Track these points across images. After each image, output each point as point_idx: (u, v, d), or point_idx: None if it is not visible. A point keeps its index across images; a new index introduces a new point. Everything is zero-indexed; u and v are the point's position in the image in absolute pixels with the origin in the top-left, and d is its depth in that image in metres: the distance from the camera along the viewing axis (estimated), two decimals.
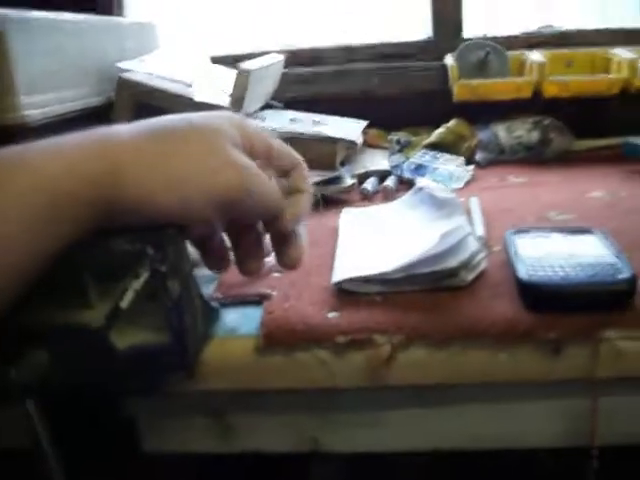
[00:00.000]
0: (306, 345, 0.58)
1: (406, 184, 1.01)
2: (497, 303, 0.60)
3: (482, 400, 0.62)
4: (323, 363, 0.58)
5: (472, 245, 0.65)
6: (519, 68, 1.29)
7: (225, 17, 1.51)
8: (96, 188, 0.41)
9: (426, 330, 0.57)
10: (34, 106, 0.83)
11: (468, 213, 0.82)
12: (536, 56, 1.23)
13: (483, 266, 0.65)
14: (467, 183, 1.05)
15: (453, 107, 1.24)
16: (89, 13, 1.05)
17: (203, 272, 0.64)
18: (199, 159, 0.44)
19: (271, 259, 0.54)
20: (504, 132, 1.19)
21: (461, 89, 1.24)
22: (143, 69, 1.07)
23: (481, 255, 0.66)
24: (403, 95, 1.36)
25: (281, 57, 1.24)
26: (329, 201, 0.95)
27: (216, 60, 1.31)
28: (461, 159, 1.12)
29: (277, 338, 0.58)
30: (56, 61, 0.90)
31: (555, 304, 0.57)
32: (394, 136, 1.24)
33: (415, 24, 1.45)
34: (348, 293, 0.63)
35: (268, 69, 1.14)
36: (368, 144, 1.22)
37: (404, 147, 1.20)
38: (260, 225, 0.52)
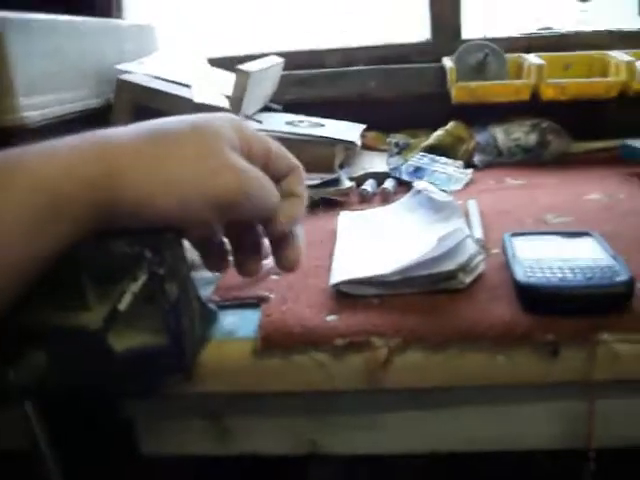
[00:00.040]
0: (304, 348, 0.58)
1: (404, 186, 1.01)
2: (495, 306, 0.60)
3: (479, 402, 0.62)
4: (321, 366, 0.58)
5: (470, 248, 0.66)
6: (517, 71, 1.29)
7: (224, 19, 1.51)
8: (94, 190, 0.41)
9: (424, 333, 0.57)
10: (33, 108, 0.83)
11: (466, 215, 0.82)
12: (534, 59, 1.24)
13: (481, 269, 0.65)
14: (465, 185, 1.05)
15: (451, 109, 1.24)
16: (88, 15, 1.05)
17: (201, 275, 0.64)
18: (197, 161, 0.44)
19: (269, 261, 0.54)
20: (502, 134, 1.20)
21: (459, 91, 1.24)
22: (142, 71, 1.07)
23: (479, 258, 0.66)
24: (401, 97, 1.36)
25: (280, 59, 1.24)
26: (327, 203, 0.96)
27: (215, 62, 1.31)
28: (459, 162, 1.12)
29: (275, 341, 0.58)
30: (55, 63, 0.90)
31: (552, 307, 0.57)
32: (392, 138, 1.24)
33: (414, 26, 1.45)
34: (346, 296, 0.63)
35: (267, 71, 1.14)
36: (366, 146, 1.22)
37: (402, 149, 1.20)
38: (259, 227, 0.52)
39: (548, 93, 1.20)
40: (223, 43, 1.49)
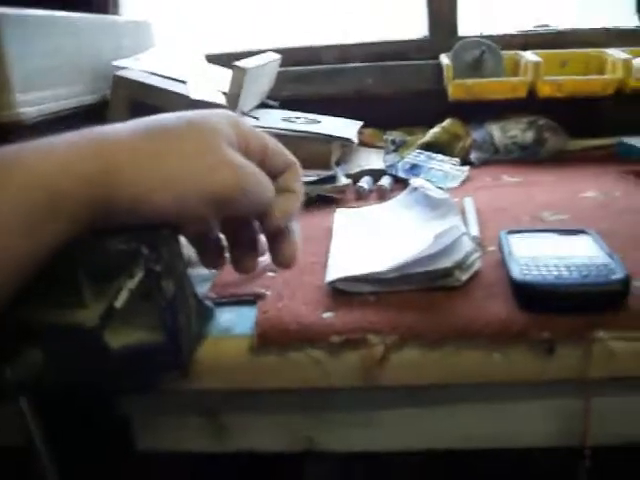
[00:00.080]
0: (300, 345, 0.58)
1: (401, 184, 1.01)
2: (491, 303, 0.60)
3: (476, 400, 0.62)
4: (317, 363, 0.58)
5: (466, 245, 0.66)
6: (514, 68, 1.29)
7: (221, 15, 1.51)
8: (91, 187, 0.41)
9: (420, 330, 0.57)
10: (29, 104, 0.83)
11: (462, 213, 0.82)
12: (531, 56, 1.24)
13: (477, 266, 0.65)
14: (462, 183, 1.05)
15: (448, 106, 1.24)
16: (85, 11, 1.05)
17: (198, 272, 0.64)
18: (194, 157, 0.44)
19: (266, 258, 0.54)
20: (499, 132, 1.20)
21: (456, 88, 1.24)
22: (139, 67, 1.06)
23: (475, 255, 0.66)
24: (398, 94, 1.36)
25: (277, 56, 1.24)
26: (323, 200, 0.96)
27: (212, 58, 1.31)
28: (456, 159, 1.12)
29: (271, 338, 0.58)
30: (52, 59, 0.90)
31: (548, 304, 0.58)
32: (389, 136, 1.24)
33: (411, 23, 1.45)
34: (342, 293, 0.63)
35: (264, 68, 1.14)
36: (363, 143, 1.22)
37: (399, 147, 1.20)
38: (255, 224, 0.52)
39: (545, 90, 1.20)
40: (220, 39, 1.48)
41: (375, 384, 0.58)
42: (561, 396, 0.60)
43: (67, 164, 0.40)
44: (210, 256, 0.54)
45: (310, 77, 1.37)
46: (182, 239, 0.51)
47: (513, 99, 1.22)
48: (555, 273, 0.59)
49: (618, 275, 0.58)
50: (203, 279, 0.68)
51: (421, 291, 0.62)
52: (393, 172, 1.07)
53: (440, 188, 0.88)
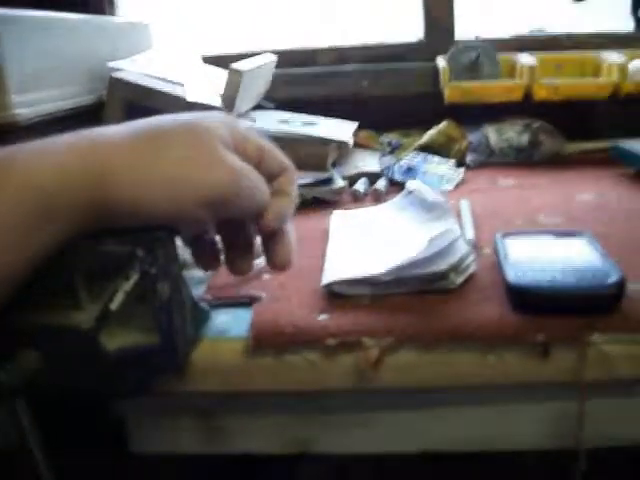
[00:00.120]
0: (295, 347, 0.58)
1: (397, 186, 1.01)
2: (486, 306, 0.60)
3: (470, 402, 0.62)
4: (312, 365, 0.58)
5: (462, 248, 0.66)
6: (510, 71, 1.29)
7: (217, 17, 1.51)
8: (87, 189, 0.41)
9: (415, 333, 0.57)
10: (25, 105, 0.83)
11: (458, 215, 0.83)
12: (527, 59, 1.24)
13: (472, 269, 0.65)
14: (457, 185, 1.05)
15: (444, 109, 1.24)
16: (81, 12, 1.05)
17: (193, 274, 0.64)
18: (190, 160, 0.44)
19: (261, 261, 0.54)
20: (494, 134, 1.20)
21: (452, 91, 1.24)
22: (135, 69, 1.06)
23: (470, 258, 0.66)
24: (394, 96, 1.36)
25: (273, 57, 1.24)
26: (320, 202, 0.96)
27: (208, 60, 1.31)
28: (452, 161, 1.12)
29: (266, 340, 0.58)
30: (48, 60, 0.90)
31: (543, 307, 0.58)
32: (385, 138, 1.24)
33: (407, 25, 1.45)
34: (337, 295, 0.63)
35: (260, 69, 1.14)
36: (359, 145, 1.22)
37: (395, 149, 1.20)
38: (250, 226, 0.52)
39: (541, 93, 1.20)
40: (217, 41, 1.48)
41: (370, 387, 0.58)
42: (556, 399, 0.61)
43: (63, 166, 0.41)
44: (205, 258, 0.54)
45: (306, 79, 1.37)
46: (177, 241, 0.51)
47: (509, 102, 1.22)
48: (550, 276, 0.59)
49: (613, 278, 0.58)
50: (198, 281, 0.68)
51: (416, 294, 0.62)
52: (389, 174, 1.07)
53: (436, 191, 0.88)
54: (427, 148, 1.16)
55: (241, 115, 1.10)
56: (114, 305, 0.46)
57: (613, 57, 1.22)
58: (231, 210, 0.46)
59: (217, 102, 1.03)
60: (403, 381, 0.58)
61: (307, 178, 0.96)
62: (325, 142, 1.04)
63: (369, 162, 1.14)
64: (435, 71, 1.31)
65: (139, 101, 1.01)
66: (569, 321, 0.56)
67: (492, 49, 1.28)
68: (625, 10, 1.36)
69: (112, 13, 1.38)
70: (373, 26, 1.50)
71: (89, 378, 0.51)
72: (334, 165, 1.09)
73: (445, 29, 1.40)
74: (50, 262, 0.42)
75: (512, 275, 0.60)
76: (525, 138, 1.18)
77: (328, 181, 0.99)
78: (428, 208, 0.79)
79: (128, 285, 0.46)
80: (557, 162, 1.17)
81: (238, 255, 0.53)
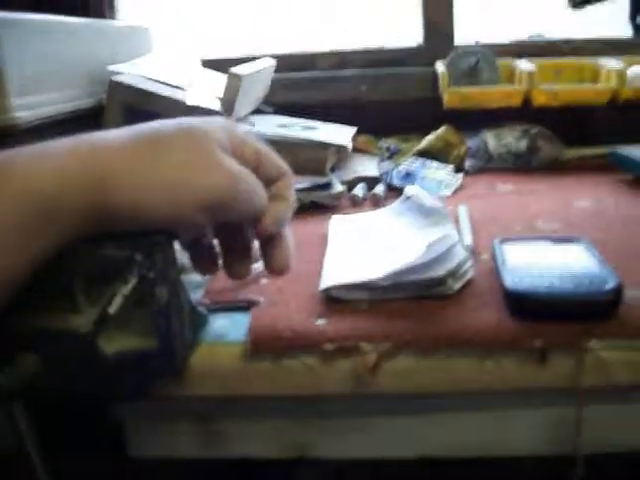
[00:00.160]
0: (293, 352, 0.58)
1: (395, 191, 1.01)
2: (484, 311, 0.60)
3: (468, 408, 0.62)
4: (310, 370, 0.58)
5: (459, 254, 0.66)
6: (509, 76, 1.29)
7: (217, 21, 1.51)
8: (86, 194, 0.41)
9: (413, 338, 0.57)
10: (25, 108, 0.83)
11: (456, 221, 0.83)
12: (526, 65, 1.24)
13: (470, 275, 0.65)
14: (456, 191, 1.05)
15: (443, 114, 1.24)
16: (81, 16, 1.05)
17: (191, 278, 0.64)
18: (189, 164, 0.44)
19: (259, 265, 0.54)
20: (493, 140, 1.20)
21: (451, 96, 1.24)
22: (135, 72, 1.07)
23: (468, 264, 0.66)
24: (393, 101, 1.36)
25: (272, 62, 1.24)
26: (318, 207, 0.96)
27: (208, 64, 1.32)
28: (450, 167, 1.13)
29: (264, 345, 0.58)
30: (47, 63, 0.90)
31: (541, 313, 0.58)
32: (384, 143, 1.24)
33: (407, 30, 1.45)
34: (335, 300, 0.63)
35: (259, 74, 1.14)
36: (358, 150, 1.23)
37: (394, 154, 1.20)
38: (248, 230, 0.52)
39: (540, 99, 1.20)
40: (216, 45, 1.49)
41: (368, 392, 0.58)
42: (553, 405, 0.61)
43: (63, 170, 0.41)
44: (203, 262, 0.54)
45: (305, 83, 1.37)
46: (176, 245, 0.51)
47: (508, 107, 1.22)
48: (548, 282, 0.59)
49: (610, 285, 0.58)
50: (196, 285, 0.68)
51: (414, 299, 0.62)
52: (388, 179, 1.07)
53: (434, 196, 0.88)
54: (426, 153, 1.16)
55: (240, 119, 1.10)
56: (112, 309, 0.46)
57: (612, 63, 1.23)
58: (229, 214, 0.46)
59: (216, 106, 1.03)
60: (401, 386, 0.58)
61: (306, 183, 0.96)
62: (324, 146, 1.04)
63: (368, 167, 1.15)
64: (434, 76, 1.31)
65: (139, 105, 1.01)
66: (567, 327, 0.56)
67: (491, 55, 1.28)
68: (624, 16, 1.37)
69: (112, 17, 1.38)
70: (373, 31, 1.50)
71: (87, 382, 0.51)
72: (333, 170, 1.09)
73: (445, 34, 1.40)
74: (49, 266, 0.42)
75: (510, 281, 0.60)
76: (524, 144, 1.18)
77: (327, 186, 1.00)
78: (426, 213, 0.80)
79: (126, 289, 0.46)
80: (555, 168, 1.17)
81: (236, 259, 0.53)
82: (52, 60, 0.92)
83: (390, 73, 1.38)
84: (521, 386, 0.58)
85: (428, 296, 0.63)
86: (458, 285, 0.63)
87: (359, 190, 1.02)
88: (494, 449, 0.63)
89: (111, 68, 1.05)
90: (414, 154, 1.16)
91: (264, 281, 0.68)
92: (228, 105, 1.02)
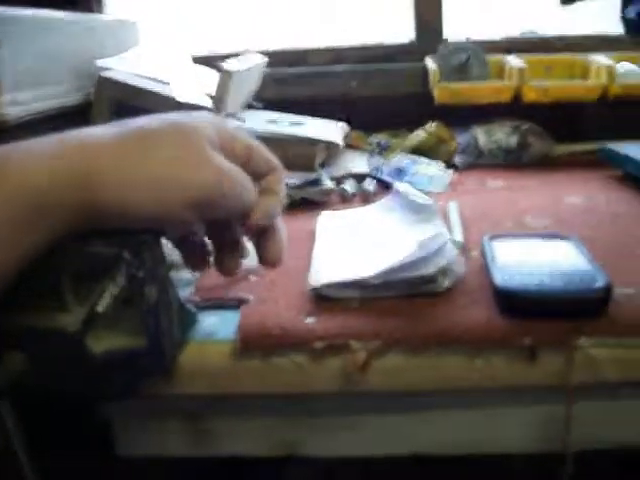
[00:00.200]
0: (283, 350, 0.58)
1: (385, 187, 1.01)
2: (473, 309, 0.60)
3: (458, 405, 0.62)
4: (300, 368, 0.58)
5: (450, 251, 0.66)
6: (499, 72, 1.30)
7: (207, 16, 1.51)
8: (74, 190, 0.41)
9: (402, 336, 0.57)
10: (14, 104, 0.82)
11: (446, 217, 0.83)
12: (516, 61, 1.24)
13: (460, 272, 0.65)
14: (446, 187, 1.05)
15: (433, 110, 1.24)
16: (69, 10, 1.04)
17: (180, 275, 0.64)
18: (177, 160, 0.43)
19: (249, 262, 0.53)
20: (483, 136, 1.20)
21: (442, 92, 1.24)
22: (123, 67, 1.06)
23: (459, 261, 0.66)
24: (384, 97, 1.36)
25: (263, 58, 1.23)
26: (308, 203, 0.95)
27: (198, 60, 1.31)
28: (440, 162, 1.13)
29: (254, 343, 0.58)
30: (36, 58, 0.90)
31: (530, 311, 0.58)
32: (374, 138, 1.24)
33: (398, 26, 1.45)
34: (325, 298, 0.63)
35: (250, 70, 1.13)
36: (348, 146, 1.22)
37: (384, 150, 1.20)
38: (238, 226, 0.52)
39: (530, 95, 1.20)
40: (207, 40, 1.48)
41: (357, 390, 0.58)
42: (543, 402, 0.61)
43: (50, 167, 0.40)
44: (195, 259, 0.54)
45: (295, 79, 1.37)
46: (166, 243, 0.51)
47: (498, 103, 1.22)
48: (537, 280, 0.59)
49: (600, 283, 0.58)
50: (186, 283, 0.67)
51: (404, 297, 0.62)
52: (378, 175, 1.07)
53: (424, 192, 0.88)
54: (416, 149, 1.16)
55: (231, 115, 1.10)
56: (101, 308, 0.46)
57: (602, 60, 1.23)
58: (217, 211, 0.46)
59: (206, 102, 1.03)
60: (391, 384, 0.58)
61: (295, 179, 0.96)
62: (313, 142, 1.04)
63: (358, 163, 1.14)
64: (425, 72, 1.31)
65: (127, 100, 1.00)
66: (556, 325, 0.57)
67: (481, 51, 1.28)
68: (615, 13, 1.36)
69: (100, 11, 1.37)
70: (365, 27, 1.50)
71: (75, 380, 0.51)
72: (323, 166, 1.09)
73: (435, 30, 1.40)
74: (37, 264, 0.41)
75: (499, 279, 0.60)
76: (514, 140, 1.18)
77: (316, 182, 0.99)
78: (416, 210, 0.79)
79: (115, 288, 0.46)
80: (546, 164, 1.17)
81: (226, 255, 0.53)
82: (40, 55, 0.91)
83: (380, 69, 1.38)
84: (511, 384, 0.58)
85: (418, 294, 0.62)
86: (448, 282, 0.63)
87: (349, 186, 1.01)
88: (484, 447, 0.63)
89: (99, 63, 1.04)
90: (404, 150, 1.16)
91: (254, 278, 0.68)
92: (219, 101, 1.02)
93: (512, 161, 1.18)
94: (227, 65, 1.01)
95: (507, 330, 0.57)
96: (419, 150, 1.15)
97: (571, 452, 0.59)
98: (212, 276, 0.55)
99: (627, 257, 0.70)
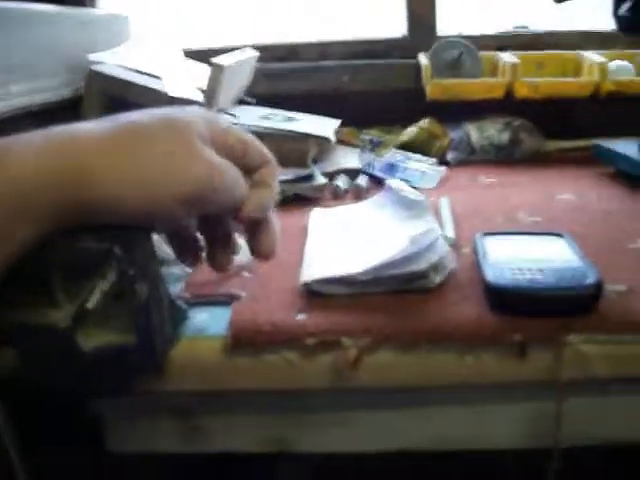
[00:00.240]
0: (274, 346, 0.58)
1: (377, 183, 1.01)
2: (464, 305, 0.60)
3: (448, 402, 0.62)
4: (291, 364, 0.58)
5: (442, 247, 0.66)
6: (492, 69, 1.30)
7: (199, 10, 1.50)
8: (63, 186, 0.40)
9: (393, 333, 0.57)
10: (1, 98, 0.82)
11: (438, 214, 0.83)
12: (508, 57, 1.24)
13: (452, 268, 0.65)
14: (438, 183, 1.05)
15: (426, 106, 1.24)
16: (60, 4, 1.04)
17: (171, 271, 0.64)
18: (168, 156, 0.43)
19: (240, 258, 0.53)
20: (475, 132, 1.20)
21: (434, 88, 1.24)
22: (114, 61, 1.05)
23: (450, 257, 0.66)
24: (376, 93, 1.36)
25: (254, 52, 1.23)
26: (301, 199, 0.95)
27: (190, 54, 1.30)
28: (433, 159, 1.13)
29: (245, 339, 0.58)
30: (26, 52, 0.89)
31: (521, 308, 0.58)
32: (366, 134, 1.24)
33: (390, 22, 1.45)
34: (316, 294, 0.63)
35: (242, 65, 1.13)
36: (340, 142, 1.22)
37: (376, 146, 1.20)
38: (229, 221, 0.52)
39: (522, 92, 1.20)
40: (198, 35, 1.47)
41: (349, 386, 0.58)
42: (533, 398, 0.61)
43: (38, 162, 0.40)
44: (187, 254, 0.54)
45: (287, 74, 1.37)
46: (157, 238, 0.50)
47: (490, 100, 1.23)
48: (528, 276, 0.59)
49: (590, 279, 0.58)
50: (176, 278, 0.67)
51: (395, 293, 0.62)
52: (370, 171, 1.07)
53: (416, 188, 0.88)
54: (408, 145, 1.16)
55: (222, 110, 1.10)
56: (91, 304, 0.46)
57: (594, 56, 1.23)
58: (208, 205, 0.46)
59: (198, 96, 1.02)
60: (382, 381, 0.59)
61: (288, 174, 0.96)
62: (305, 138, 1.04)
63: (350, 159, 1.14)
64: (417, 68, 1.31)
65: (118, 95, 1.00)
66: (546, 321, 0.57)
67: (474, 47, 1.28)
68: (608, 10, 1.37)
69: (92, 5, 1.37)
70: (355, 20, 1.49)
71: (66, 377, 0.51)
72: (315, 162, 1.08)
73: (428, 26, 1.40)
74: (27, 259, 0.41)
75: (491, 275, 0.60)
76: (506, 136, 1.18)
77: (309, 178, 0.99)
78: (408, 206, 0.79)
79: (105, 284, 0.46)
80: (537, 160, 1.17)
81: (218, 250, 0.52)
82: (30, 49, 0.91)
83: (372, 64, 1.38)
84: (501, 380, 0.58)
85: (409, 290, 0.62)
86: (439, 278, 0.63)
87: (341, 182, 1.01)
88: (474, 443, 0.64)
89: (91, 57, 1.04)
90: (396, 146, 1.16)
91: (245, 274, 0.68)
92: (210, 96, 1.01)
93: (504, 157, 1.18)
94: (218, 59, 1.01)
95: (497, 327, 0.57)
96: (411, 145, 1.16)
97: (558, 448, 0.59)
98: (203, 272, 0.55)
99: (618, 254, 0.70)
